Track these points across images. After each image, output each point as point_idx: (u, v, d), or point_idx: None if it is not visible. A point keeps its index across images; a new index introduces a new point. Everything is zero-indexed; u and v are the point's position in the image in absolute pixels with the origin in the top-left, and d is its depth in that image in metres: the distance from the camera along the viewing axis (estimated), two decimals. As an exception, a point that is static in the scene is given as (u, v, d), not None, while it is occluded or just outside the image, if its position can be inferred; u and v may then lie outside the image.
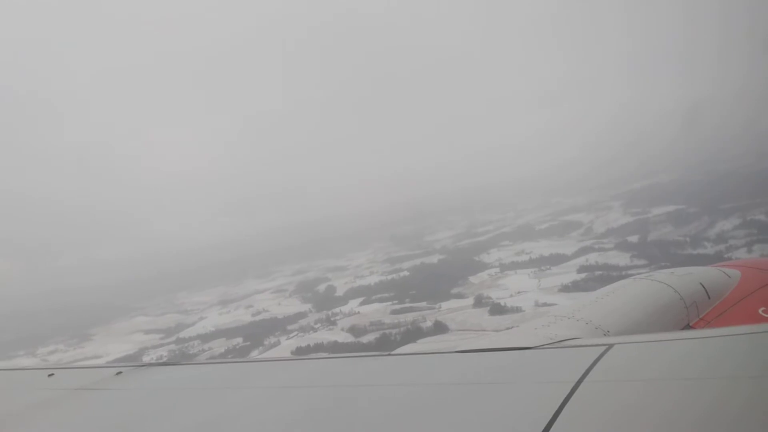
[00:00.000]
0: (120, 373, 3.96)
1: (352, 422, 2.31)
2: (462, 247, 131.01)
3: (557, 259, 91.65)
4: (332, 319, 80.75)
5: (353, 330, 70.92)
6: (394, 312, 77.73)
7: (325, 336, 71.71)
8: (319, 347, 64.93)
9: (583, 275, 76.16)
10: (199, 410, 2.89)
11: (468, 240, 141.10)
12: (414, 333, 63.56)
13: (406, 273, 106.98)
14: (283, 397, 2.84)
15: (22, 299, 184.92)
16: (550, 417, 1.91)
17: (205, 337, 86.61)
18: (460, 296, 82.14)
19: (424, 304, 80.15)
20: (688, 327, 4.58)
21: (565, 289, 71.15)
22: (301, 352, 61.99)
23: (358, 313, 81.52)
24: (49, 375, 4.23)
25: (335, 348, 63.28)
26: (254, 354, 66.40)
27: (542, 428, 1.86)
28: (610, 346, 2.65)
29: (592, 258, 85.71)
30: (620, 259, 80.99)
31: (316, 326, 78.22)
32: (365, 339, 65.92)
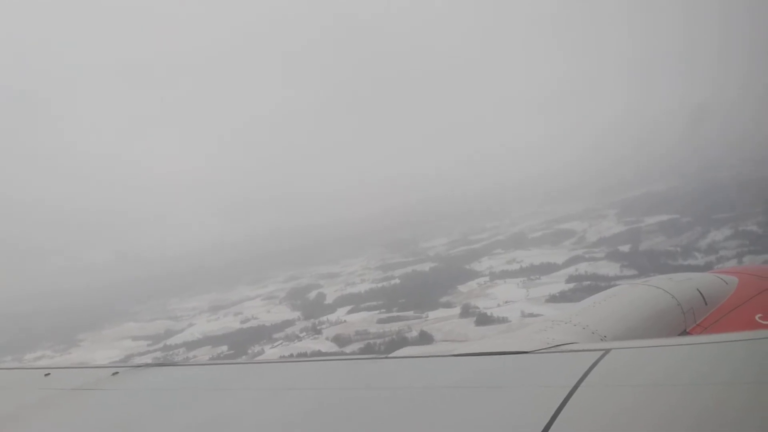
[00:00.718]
0: (116, 373, 3.95)
1: (350, 425, 2.32)
2: (455, 254, 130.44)
3: (547, 269, 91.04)
4: (318, 327, 79.96)
5: (337, 339, 70.17)
6: (381, 321, 77.06)
7: (309, 345, 70.90)
8: (302, 357, 64.13)
9: (571, 285, 75.55)
10: (195, 411, 2.87)
11: (462, 247, 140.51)
12: (398, 343, 62.68)
13: (397, 281, 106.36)
14: (280, 398, 2.84)
15: (12, 302, 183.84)
16: (547, 421, 1.93)
17: (191, 345, 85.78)
18: (448, 305, 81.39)
19: (411, 313, 79.51)
20: (685, 333, 4.56)
21: (553, 299, 70.52)
22: (283, 361, 60.99)
23: (345, 321, 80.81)
24: (46, 375, 4.23)
25: (317, 358, 62.30)
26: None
27: None
28: (607, 351, 2.64)
29: (582, 268, 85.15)
30: (610, 269, 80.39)
31: (302, 335, 77.46)
32: (349, 349, 65.12)
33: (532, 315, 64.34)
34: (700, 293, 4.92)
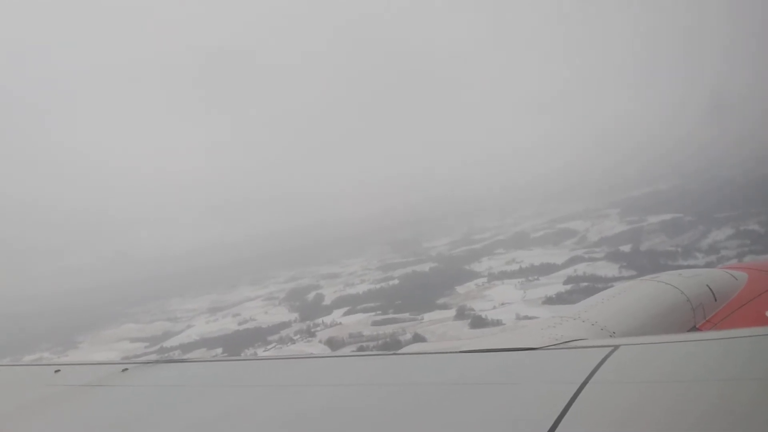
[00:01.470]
0: (126, 369, 3.93)
1: (357, 421, 2.31)
2: (456, 254, 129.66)
3: (547, 269, 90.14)
4: (312, 330, 79.44)
5: (330, 342, 69.52)
6: (375, 323, 76.40)
7: (302, 348, 70.32)
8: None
9: (568, 287, 74.60)
10: (204, 407, 2.86)
11: (464, 247, 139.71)
12: (391, 347, 61.90)
13: (396, 281, 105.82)
14: (289, 395, 2.85)
15: (10, 303, 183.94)
16: (556, 418, 1.92)
17: (187, 347, 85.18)
18: (444, 307, 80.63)
19: (407, 315, 78.77)
20: (694, 329, 4.49)
21: (549, 301, 69.67)
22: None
23: (340, 324, 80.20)
24: (56, 371, 4.23)
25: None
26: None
27: (547, 429, 1.87)
28: (616, 347, 2.62)
29: (581, 268, 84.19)
30: (609, 269, 79.47)
31: (295, 337, 76.87)
32: (341, 353, 64.36)
33: (527, 317, 63.51)
34: (710, 289, 4.82)
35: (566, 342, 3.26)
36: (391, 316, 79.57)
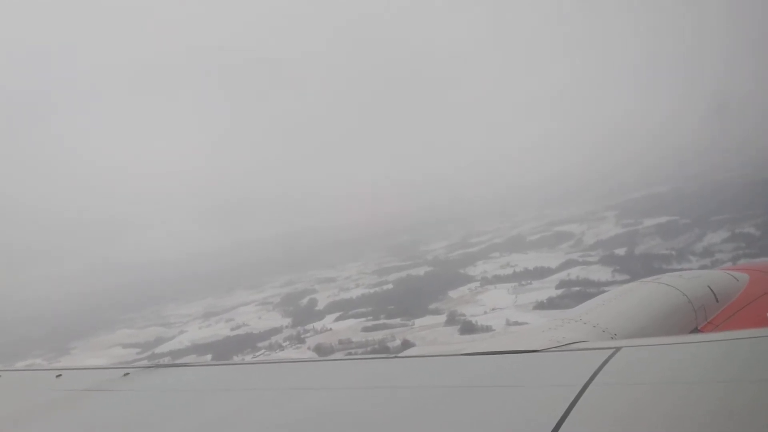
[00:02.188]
0: (127, 374, 3.93)
1: (359, 425, 2.32)
2: (452, 258, 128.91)
3: (541, 273, 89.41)
4: (302, 336, 78.70)
5: (319, 349, 68.74)
6: (366, 329, 75.69)
7: (290, 355, 69.49)
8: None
9: (560, 291, 73.84)
10: (206, 412, 2.88)
11: (460, 251, 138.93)
12: (380, 354, 61.28)
13: (390, 286, 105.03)
14: (290, 399, 2.84)
15: (4, 308, 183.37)
16: (558, 420, 1.93)
17: (178, 354, 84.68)
18: (436, 312, 79.90)
19: (398, 320, 78.13)
20: (696, 330, 4.48)
21: (540, 306, 69.03)
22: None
23: (330, 330, 79.52)
24: (57, 376, 4.23)
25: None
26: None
27: (549, 431, 1.88)
28: (618, 349, 2.64)
29: (575, 272, 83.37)
30: (602, 273, 78.62)
31: (284, 344, 76.13)
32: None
33: (517, 323, 62.79)
34: (711, 290, 4.82)
35: (568, 344, 3.24)
36: (382, 321, 78.83)
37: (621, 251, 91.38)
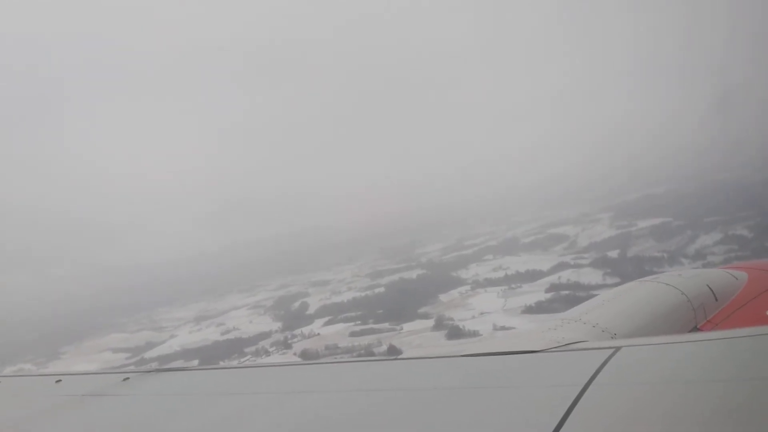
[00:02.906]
0: (127, 378, 3.94)
1: (360, 427, 2.33)
2: (446, 261, 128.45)
3: (532, 276, 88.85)
4: (290, 341, 77.99)
5: (305, 355, 68.13)
6: (353, 334, 75.13)
7: (276, 361, 68.80)
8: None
9: (549, 295, 73.14)
10: (206, 416, 2.87)
11: (455, 253, 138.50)
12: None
13: (382, 289, 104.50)
14: (290, 402, 2.85)
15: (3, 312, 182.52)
16: (558, 420, 1.93)
17: (166, 359, 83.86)
18: (425, 316, 79.37)
19: (386, 325, 77.55)
20: (695, 329, 4.44)
21: (529, 310, 68.35)
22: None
23: (318, 334, 78.92)
24: (57, 381, 4.23)
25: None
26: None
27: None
28: (618, 348, 2.64)
29: (566, 275, 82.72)
30: (593, 276, 78.06)
31: (271, 349, 75.39)
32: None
33: (504, 328, 62.07)
34: (710, 289, 4.76)
35: (568, 344, 3.20)
36: (370, 326, 78.34)
37: (614, 253, 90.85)
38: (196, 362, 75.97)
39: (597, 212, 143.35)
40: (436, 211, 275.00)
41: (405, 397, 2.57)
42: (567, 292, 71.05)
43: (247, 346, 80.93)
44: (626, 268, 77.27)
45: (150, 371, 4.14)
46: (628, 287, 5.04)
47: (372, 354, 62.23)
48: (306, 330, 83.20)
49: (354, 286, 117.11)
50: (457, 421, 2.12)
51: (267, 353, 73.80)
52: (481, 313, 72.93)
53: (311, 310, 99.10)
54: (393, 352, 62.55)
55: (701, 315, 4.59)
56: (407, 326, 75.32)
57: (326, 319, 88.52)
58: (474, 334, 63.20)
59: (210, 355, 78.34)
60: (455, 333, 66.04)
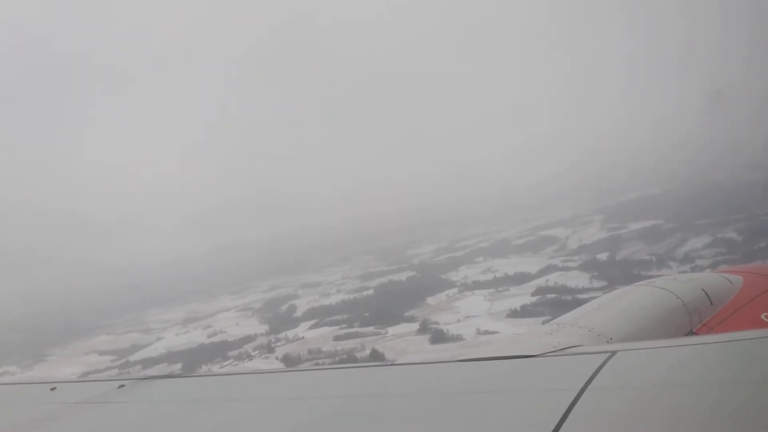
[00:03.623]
0: (122, 386, 3.92)
1: None
2: (437, 262, 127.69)
3: (520, 279, 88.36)
4: (273, 345, 77.06)
5: (286, 360, 67.14)
6: (337, 338, 74.31)
7: (258, 366, 67.88)
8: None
9: (535, 299, 72.49)
10: (203, 423, 2.87)
11: (446, 255, 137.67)
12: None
13: (371, 291, 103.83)
14: (287, 408, 2.84)
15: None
16: (555, 425, 1.94)
17: (149, 362, 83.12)
18: (411, 320, 78.62)
19: (371, 328, 76.74)
20: (691, 333, 4.48)
21: (514, 314, 67.63)
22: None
23: (302, 338, 78.04)
24: (52, 389, 4.21)
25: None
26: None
27: None
28: (613, 353, 2.66)
29: (553, 278, 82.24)
30: (580, 280, 77.53)
31: (254, 353, 74.47)
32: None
33: (488, 332, 61.36)
34: (705, 293, 4.80)
35: (564, 349, 3.22)
36: (355, 329, 77.61)
37: (603, 256, 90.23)
38: (179, 366, 75.13)
39: (590, 214, 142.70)
40: (429, 211, 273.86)
41: (403, 403, 2.57)
42: (553, 295, 70.35)
43: (231, 349, 79.95)
44: (614, 272, 76.75)
45: (145, 378, 4.10)
46: (623, 291, 5.04)
47: (355, 359, 61.44)
48: (291, 333, 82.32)
49: (343, 288, 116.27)
50: (455, 427, 2.12)
51: (249, 357, 72.82)
52: (467, 317, 72.18)
53: (299, 313, 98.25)
54: (376, 357, 61.78)
55: (696, 319, 4.60)
56: (392, 330, 74.57)
57: (312, 322, 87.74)
58: (457, 338, 62.46)
59: (194, 359, 77.28)
60: (439, 337, 65.33)
